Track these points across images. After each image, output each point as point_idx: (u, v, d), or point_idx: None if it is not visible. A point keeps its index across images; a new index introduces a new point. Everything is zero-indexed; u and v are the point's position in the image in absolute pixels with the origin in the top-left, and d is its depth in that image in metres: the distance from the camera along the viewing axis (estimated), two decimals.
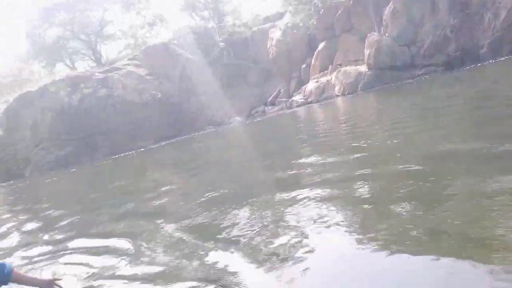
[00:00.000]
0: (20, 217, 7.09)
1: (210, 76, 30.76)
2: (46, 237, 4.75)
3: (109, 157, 24.93)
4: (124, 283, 2.55)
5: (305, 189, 3.23)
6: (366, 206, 2.60)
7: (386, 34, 20.59)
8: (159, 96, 29.37)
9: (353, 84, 21.84)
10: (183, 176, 7.11)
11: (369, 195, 2.72)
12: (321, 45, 25.99)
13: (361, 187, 2.92)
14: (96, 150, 27.63)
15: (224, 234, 2.90)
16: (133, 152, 25.21)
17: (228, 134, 19.75)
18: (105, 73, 30.06)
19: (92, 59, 45.20)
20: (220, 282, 2.13)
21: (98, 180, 13.00)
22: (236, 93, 30.32)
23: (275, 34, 28.98)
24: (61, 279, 2.38)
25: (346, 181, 3.21)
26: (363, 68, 21.85)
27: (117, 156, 24.85)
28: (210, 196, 4.01)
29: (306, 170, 3.79)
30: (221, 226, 3.15)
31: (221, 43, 31.14)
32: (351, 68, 22.69)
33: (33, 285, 2.34)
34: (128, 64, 31.09)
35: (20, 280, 2.30)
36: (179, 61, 30.89)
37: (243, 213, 3.28)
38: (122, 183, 9.22)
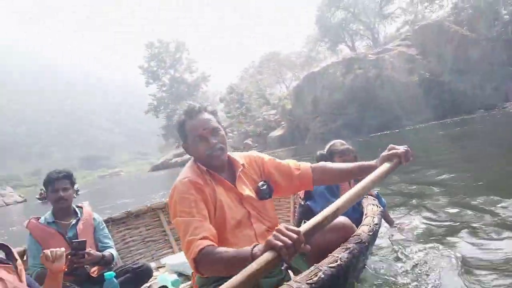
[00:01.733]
0: None
1: (488, 53, 28.55)
2: None
3: (373, 133, 27.52)
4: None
5: None
6: None
7: None
8: (427, 76, 29.70)
9: None
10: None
11: None
12: None
13: None
14: (362, 126, 30.94)
15: None
16: (397, 130, 26.77)
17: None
18: (377, 54, 33.03)
19: (369, 38, 48.37)
20: None
21: None
22: None
23: None
24: None
25: None
26: None
27: (381, 133, 26.99)
28: None
29: None
30: None
31: (505, 16, 28.13)
32: None
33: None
34: (400, 45, 32.98)
35: None
36: (453, 38, 30.12)
37: None
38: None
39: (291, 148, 34.08)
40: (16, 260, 1.81)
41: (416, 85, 30.53)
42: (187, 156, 1.95)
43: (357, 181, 2.86)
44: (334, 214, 1.40)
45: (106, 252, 2.74)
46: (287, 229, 1.25)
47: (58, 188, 2.76)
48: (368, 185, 1.59)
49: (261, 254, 1.23)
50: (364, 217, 1.99)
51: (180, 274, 3.12)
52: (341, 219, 1.80)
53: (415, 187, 5.62)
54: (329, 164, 2.04)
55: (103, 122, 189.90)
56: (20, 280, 1.76)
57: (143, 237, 3.80)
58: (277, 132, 44.39)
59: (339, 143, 3.12)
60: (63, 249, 1.96)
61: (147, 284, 2.92)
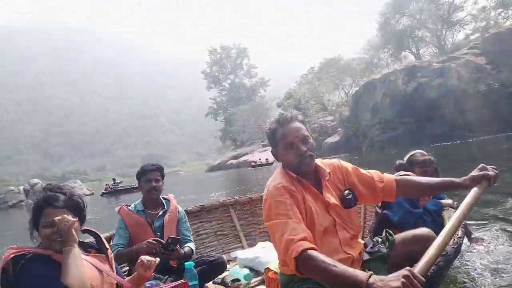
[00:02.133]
0: None
1: None
2: None
3: (434, 144, 26.74)
4: None
5: None
6: None
7: None
8: (496, 86, 28.38)
9: None
10: None
11: None
12: None
13: None
14: (422, 136, 30.14)
15: None
16: (459, 141, 25.77)
17: None
18: (442, 63, 32.00)
19: (435, 46, 46.87)
20: None
21: None
22: None
23: None
24: None
25: None
26: None
27: (441, 143, 26.14)
28: None
29: None
30: None
31: None
32: None
33: None
34: (467, 54, 31.63)
35: None
36: None
37: None
38: None
39: (346, 155, 33.81)
40: (107, 249, 1.95)
41: (483, 95, 29.14)
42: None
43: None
44: (444, 248, 1.41)
45: (187, 248, 2.92)
46: (415, 277, 1.22)
47: (151, 178, 2.96)
48: (467, 212, 1.63)
49: None
50: None
51: (250, 269, 3.24)
52: (425, 230, 1.87)
53: (489, 197, 5.51)
54: (413, 178, 2.07)
55: (164, 123, 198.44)
56: (112, 269, 1.89)
57: (215, 231, 4.03)
58: (333, 139, 44.14)
59: (419, 154, 3.07)
60: (157, 259, 2.07)
61: (221, 276, 3.11)
